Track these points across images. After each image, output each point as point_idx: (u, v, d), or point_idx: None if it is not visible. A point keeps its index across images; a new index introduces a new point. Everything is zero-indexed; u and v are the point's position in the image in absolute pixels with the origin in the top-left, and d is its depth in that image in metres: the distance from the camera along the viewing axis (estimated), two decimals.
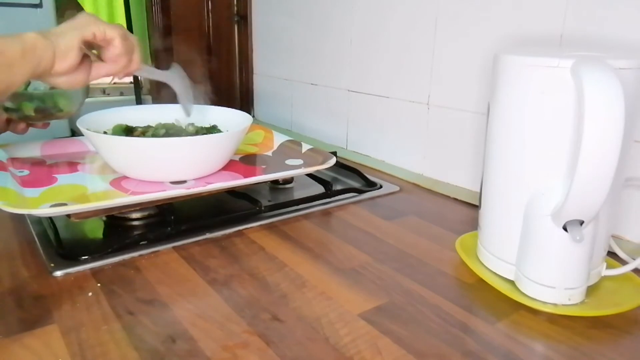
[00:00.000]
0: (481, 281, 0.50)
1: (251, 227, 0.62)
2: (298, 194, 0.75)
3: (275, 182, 0.77)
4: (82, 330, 0.40)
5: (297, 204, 0.69)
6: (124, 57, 0.56)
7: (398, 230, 0.62)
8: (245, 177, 0.70)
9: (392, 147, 0.87)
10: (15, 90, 0.46)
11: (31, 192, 0.62)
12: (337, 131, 1.00)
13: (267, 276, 0.50)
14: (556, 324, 0.43)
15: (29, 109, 0.65)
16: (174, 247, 0.56)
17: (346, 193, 0.74)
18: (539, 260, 0.44)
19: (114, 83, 1.69)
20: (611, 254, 0.52)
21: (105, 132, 0.72)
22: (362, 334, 0.41)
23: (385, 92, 0.87)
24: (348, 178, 0.83)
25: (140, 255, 0.54)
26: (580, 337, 0.41)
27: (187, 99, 0.69)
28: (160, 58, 1.48)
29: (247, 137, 0.86)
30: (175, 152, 0.64)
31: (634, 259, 0.49)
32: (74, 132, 1.13)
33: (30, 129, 0.69)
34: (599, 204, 0.39)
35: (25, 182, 0.65)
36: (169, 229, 0.58)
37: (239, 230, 0.61)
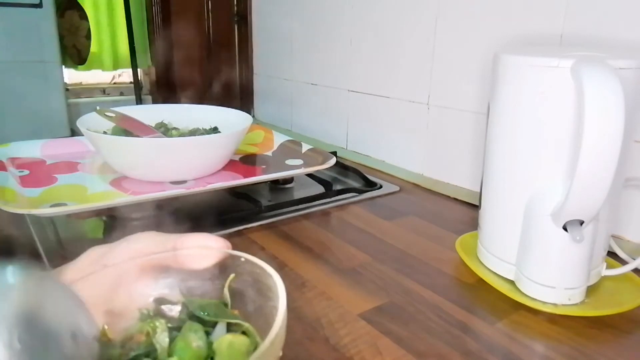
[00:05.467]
0: (481, 281, 0.50)
1: (251, 227, 0.62)
2: (298, 194, 0.75)
3: (275, 182, 0.77)
4: None
5: (297, 204, 0.69)
6: None
7: (398, 230, 0.62)
8: (245, 177, 0.70)
9: (392, 147, 0.87)
10: None
11: (31, 192, 0.62)
12: (337, 131, 1.00)
13: None
14: (556, 324, 0.43)
15: None
16: None
17: (346, 193, 0.74)
18: (539, 260, 0.44)
19: (114, 83, 1.69)
20: (611, 254, 0.52)
21: (105, 132, 0.72)
22: (362, 334, 0.41)
23: (385, 92, 0.87)
24: (348, 178, 0.83)
25: None
26: (580, 337, 0.41)
27: None
28: (159, 58, 1.48)
29: (247, 137, 0.86)
30: (175, 152, 0.64)
31: (634, 259, 0.49)
32: (74, 132, 1.13)
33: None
34: (599, 204, 0.39)
35: (25, 182, 0.65)
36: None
37: (239, 230, 0.61)
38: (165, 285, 0.29)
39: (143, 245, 0.29)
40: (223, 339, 0.25)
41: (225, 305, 0.28)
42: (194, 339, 0.25)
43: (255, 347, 0.25)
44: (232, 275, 0.28)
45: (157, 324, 0.26)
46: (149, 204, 0.59)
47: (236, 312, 0.27)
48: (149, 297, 0.28)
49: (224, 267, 0.28)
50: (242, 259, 0.28)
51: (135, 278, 0.28)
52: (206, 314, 0.27)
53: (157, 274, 0.29)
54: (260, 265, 0.27)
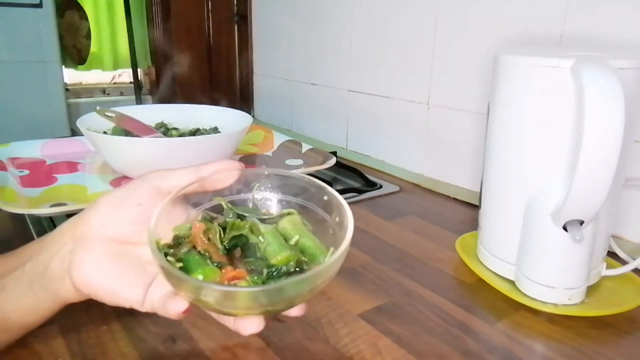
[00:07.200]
0: (481, 281, 0.50)
1: None
2: None
3: None
4: (82, 330, 0.40)
5: None
6: None
7: (398, 230, 0.62)
8: None
9: (392, 147, 0.87)
10: None
11: (31, 192, 0.62)
12: (337, 131, 1.00)
13: None
14: (556, 324, 0.43)
15: None
16: None
17: (346, 193, 0.74)
18: (539, 260, 0.44)
19: (114, 83, 1.69)
20: (611, 254, 0.52)
21: (105, 132, 0.72)
22: (362, 334, 0.41)
23: (385, 92, 0.87)
24: (348, 178, 0.83)
25: None
26: (580, 337, 0.41)
27: None
28: (159, 58, 1.48)
29: (247, 137, 0.86)
30: (175, 152, 0.64)
31: (634, 259, 0.49)
32: (74, 132, 1.13)
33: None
34: (599, 204, 0.39)
35: (25, 182, 0.65)
36: None
37: None
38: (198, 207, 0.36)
39: (168, 181, 0.35)
40: (283, 221, 0.34)
41: (257, 208, 0.36)
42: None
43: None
44: (256, 185, 0.36)
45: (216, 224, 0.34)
46: None
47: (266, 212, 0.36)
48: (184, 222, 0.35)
49: (247, 182, 0.36)
50: (266, 172, 0.36)
51: (170, 211, 0.34)
52: (249, 214, 0.35)
53: (186, 202, 0.36)
54: (282, 173, 0.35)
